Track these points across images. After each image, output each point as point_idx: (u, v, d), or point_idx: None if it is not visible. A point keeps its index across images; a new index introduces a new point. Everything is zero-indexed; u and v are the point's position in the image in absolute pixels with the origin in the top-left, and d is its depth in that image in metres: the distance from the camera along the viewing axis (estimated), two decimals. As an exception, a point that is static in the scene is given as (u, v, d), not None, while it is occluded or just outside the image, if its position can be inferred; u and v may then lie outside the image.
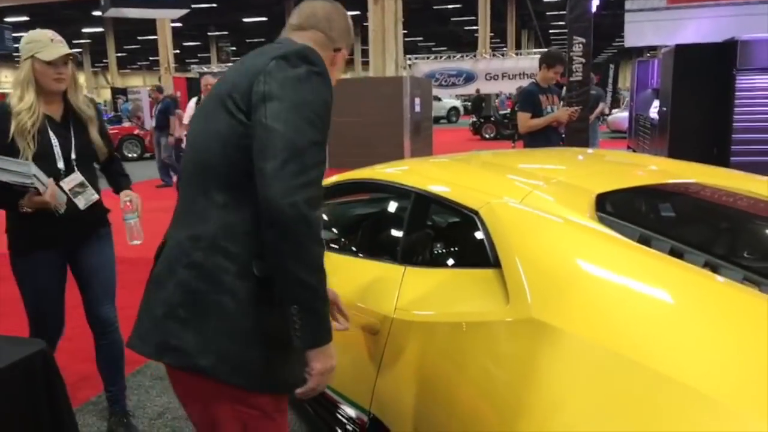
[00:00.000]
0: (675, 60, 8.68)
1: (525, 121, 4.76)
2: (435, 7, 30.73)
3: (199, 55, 45.37)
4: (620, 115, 18.13)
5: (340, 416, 2.17)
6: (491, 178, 2.17)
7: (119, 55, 42.27)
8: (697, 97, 8.37)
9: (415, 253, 2.11)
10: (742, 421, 1.02)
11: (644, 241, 1.59)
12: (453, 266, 2.10)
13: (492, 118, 19.83)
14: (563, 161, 2.78)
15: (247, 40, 42.10)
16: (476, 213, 1.83)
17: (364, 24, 29.32)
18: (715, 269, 1.50)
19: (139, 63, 52.42)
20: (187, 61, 46.60)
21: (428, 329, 1.73)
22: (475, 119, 20.59)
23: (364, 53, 39.56)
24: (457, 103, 28.87)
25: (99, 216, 2.57)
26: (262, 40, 42.26)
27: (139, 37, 37.09)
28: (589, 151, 3.65)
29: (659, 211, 2.10)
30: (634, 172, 2.36)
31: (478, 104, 21.90)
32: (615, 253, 1.50)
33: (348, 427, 2.11)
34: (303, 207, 1.19)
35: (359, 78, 10.25)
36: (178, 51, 33.02)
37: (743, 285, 1.37)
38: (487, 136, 19.11)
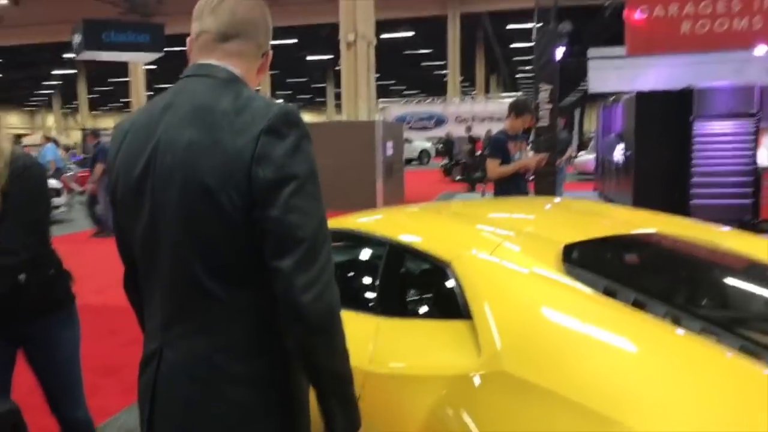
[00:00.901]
0: (636, 106, 9.07)
1: (494, 167, 4.90)
2: (406, 52, 31.55)
3: (171, 96, 45.42)
4: (587, 158, 18.65)
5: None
6: (462, 230, 2.24)
7: (91, 96, 42.15)
8: (658, 142, 8.72)
9: (389, 304, 2.15)
10: None
11: (609, 291, 1.66)
12: (427, 317, 2.14)
13: (461, 161, 20.19)
14: (530, 211, 2.87)
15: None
16: (448, 264, 1.89)
17: (336, 68, 29.87)
18: (676, 319, 1.57)
19: (110, 104, 52.24)
20: (159, 102, 46.60)
21: (402, 382, 1.76)
22: (446, 161, 20.93)
23: (338, 96, 40.19)
24: (428, 145, 29.36)
25: (51, 296, 2.08)
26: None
27: (111, 79, 37.09)
28: (556, 200, 3.76)
29: (623, 262, 2.18)
30: (600, 223, 2.45)
31: (449, 147, 22.31)
32: (581, 306, 1.57)
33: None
34: (327, 296, 1.12)
35: (333, 122, 10.45)
36: (151, 93, 33.07)
37: (701, 336, 1.44)
38: (457, 178, 19.40)
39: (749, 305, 1.93)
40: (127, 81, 26.57)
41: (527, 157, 5.07)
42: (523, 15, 20.56)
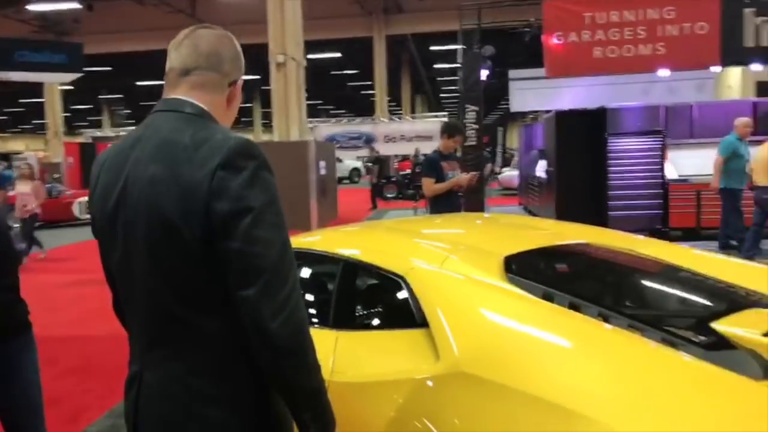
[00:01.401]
0: (556, 124, 9.63)
1: (429, 185, 5.13)
2: (333, 73, 31.86)
3: (89, 118, 43.66)
4: (511, 174, 19.46)
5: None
6: (412, 245, 2.40)
7: (1, 117, 39.80)
8: (577, 158, 9.29)
9: (346, 318, 2.27)
10: None
11: (547, 296, 1.86)
12: (383, 328, 2.27)
13: (393, 179, 20.54)
14: (468, 227, 3.09)
15: (141, 104, 41.17)
16: (402, 278, 2.04)
17: (263, 87, 29.69)
18: (606, 318, 1.78)
19: (21, 126, 49.47)
20: (75, 124, 44.63)
21: (365, 389, 1.88)
22: (376, 180, 21.23)
23: (265, 116, 39.88)
24: (359, 164, 29.68)
25: (12, 321, 2.10)
26: (155, 103, 41.48)
27: (23, 100, 35.23)
28: (488, 216, 4.02)
29: (558, 270, 2.41)
30: (533, 235, 2.68)
31: (379, 165, 22.65)
32: (525, 310, 1.75)
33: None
34: (294, 319, 1.16)
35: (266, 142, 10.49)
36: (68, 114, 31.63)
37: (629, 331, 1.66)
38: (389, 196, 19.72)
39: (666, 303, 2.19)
40: (41, 102, 25.35)
41: (459, 175, 5.34)
42: (446, 37, 21.31)
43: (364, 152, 25.24)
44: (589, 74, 9.60)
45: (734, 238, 7.72)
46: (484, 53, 9.81)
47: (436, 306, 1.85)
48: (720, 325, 1.71)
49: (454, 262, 2.08)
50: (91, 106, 39.57)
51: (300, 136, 12.66)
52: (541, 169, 11.66)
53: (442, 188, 5.10)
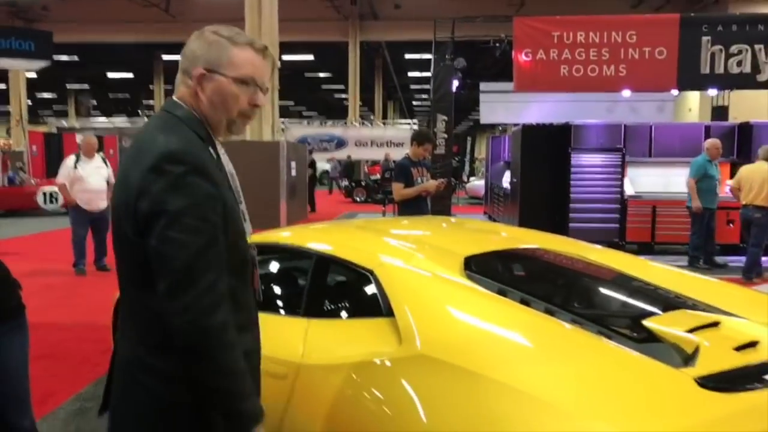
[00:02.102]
0: (522, 137, 9.96)
1: (398, 190, 5.33)
2: (307, 75, 31.93)
3: (54, 107, 42.66)
4: (478, 183, 19.86)
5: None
6: (381, 243, 2.58)
7: (-42, 103, 38.61)
8: (541, 170, 9.63)
9: (317, 308, 2.44)
10: (576, 419, 1.46)
11: (501, 293, 2.07)
12: (351, 317, 2.44)
13: (363, 183, 20.75)
14: (434, 229, 3.29)
15: (111, 95, 40.43)
16: (371, 272, 2.22)
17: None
18: (552, 313, 2.00)
19: (-19, 112, 48.00)
20: (40, 113, 43.54)
21: (332, 370, 2.05)
22: (347, 183, 21.42)
23: (236, 114, 39.50)
24: (329, 166, 29.81)
25: (3, 305, 2.11)
26: (127, 96, 40.87)
27: (-16, 86, 34.30)
28: (452, 220, 4.24)
29: (512, 270, 2.63)
30: (492, 239, 2.90)
31: (349, 169, 22.84)
32: (480, 303, 1.96)
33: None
34: (201, 321, 1.25)
35: (237, 141, 10.51)
36: (29, 102, 30.89)
37: (570, 325, 1.87)
38: (358, 199, 19.90)
39: (606, 304, 2.43)
40: (4, 89, 24.75)
41: (428, 181, 5.55)
42: (420, 46, 21.63)
43: (335, 155, 25.42)
44: (555, 91, 9.97)
45: (698, 255, 8.10)
46: (456, 65, 10.10)
47: (402, 298, 2.04)
48: (651, 323, 1.94)
49: (419, 259, 2.28)
50: (57, 96, 38.73)
51: (272, 136, 12.74)
52: (506, 179, 11.99)
53: (411, 193, 5.31)
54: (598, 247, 2.93)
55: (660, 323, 1.93)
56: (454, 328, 1.86)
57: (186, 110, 1.42)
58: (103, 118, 38.08)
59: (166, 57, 28.47)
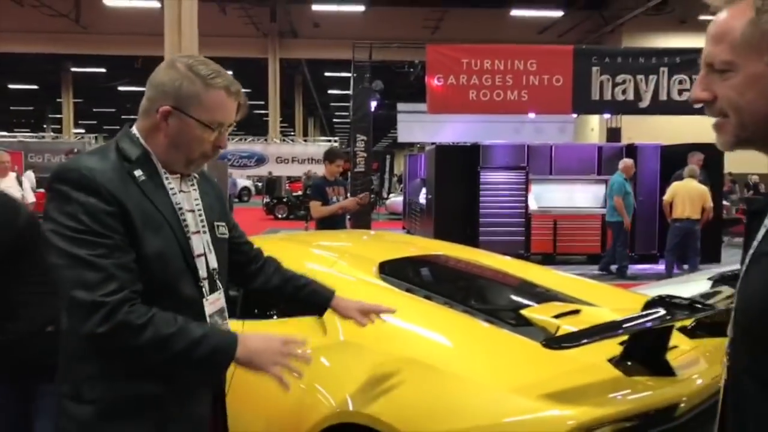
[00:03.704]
0: (436, 156, 10.60)
1: (316, 208, 5.51)
2: (226, 91, 31.59)
3: (-54, 119, 39.77)
4: (396, 200, 20.51)
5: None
6: (307, 251, 2.96)
7: None
8: (453, 187, 10.28)
9: (250, 310, 2.77)
10: (486, 390, 1.90)
11: (409, 290, 2.50)
12: (280, 317, 2.79)
13: (285, 200, 20.89)
14: (353, 240, 3.70)
15: (12, 108, 38.25)
16: (298, 277, 2.58)
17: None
18: (449, 306, 2.44)
19: None
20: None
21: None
22: (268, 200, 21.47)
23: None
24: (249, 183, 29.62)
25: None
26: (30, 108, 38.81)
27: None
28: (371, 232, 4.67)
29: (419, 273, 3.08)
30: (403, 247, 3.35)
31: (271, 186, 22.91)
32: (390, 299, 2.37)
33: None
34: (104, 328, 1.25)
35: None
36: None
37: (464, 314, 2.32)
38: (279, 216, 20.01)
39: (494, 297, 2.92)
40: None
41: (346, 200, 5.85)
42: (340, 65, 22.17)
43: (254, 172, 25.37)
44: (464, 113, 10.72)
45: (616, 264, 8.95)
46: (374, 87, 10.64)
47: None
48: (526, 312, 2.43)
49: (341, 265, 2.67)
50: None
51: (192, 153, 12.74)
52: (423, 196, 12.63)
53: (329, 211, 5.47)
54: (491, 253, 3.45)
55: (533, 312, 2.42)
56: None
57: (131, 135, 1.44)
58: (4, 132, 35.95)
59: (75, 69, 27.47)
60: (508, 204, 10.10)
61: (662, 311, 1.85)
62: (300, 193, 20.73)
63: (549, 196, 10.68)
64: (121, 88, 29.85)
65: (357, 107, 10.11)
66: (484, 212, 10.03)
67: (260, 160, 25.28)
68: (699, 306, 2.01)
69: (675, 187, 8.21)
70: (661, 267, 9.70)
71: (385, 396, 1.97)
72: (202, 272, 1.46)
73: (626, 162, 8.89)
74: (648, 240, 10.24)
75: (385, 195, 23.93)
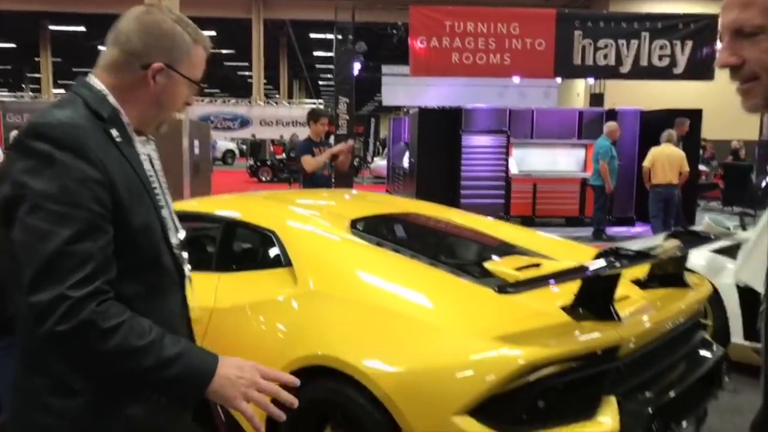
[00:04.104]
0: (419, 119, 10.64)
1: (308, 161, 5.53)
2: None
3: None
4: (381, 163, 20.55)
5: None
6: (282, 208, 3.06)
7: None
8: (436, 151, 10.35)
9: (226, 263, 2.88)
10: (445, 333, 2.03)
11: (378, 243, 2.62)
12: (256, 269, 2.90)
13: (269, 162, 20.84)
14: (330, 198, 3.80)
15: (-12, 66, 37.30)
16: (273, 232, 2.69)
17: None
18: (417, 258, 2.57)
19: None
20: None
21: (241, 310, 2.52)
22: (252, 163, 21.41)
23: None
24: (233, 145, 29.40)
25: None
26: (8, 67, 37.86)
27: None
28: (354, 192, 4.77)
29: (390, 229, 3.20)
30: (378, 206, 3.46)
31: (255, 148, 22.81)
32: (359, 251, 2.50)
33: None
34: (74, 312, 1.05)
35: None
36: None
37: (431, 266, 2.45)
38: (264, 179, 19.99)
39: (461, 252, 3.06)
40: None
41: (329, 164, 5.88)
42: (325, 26, 21.85)
43: (238, 134, 25.18)
44: (447, 76, 10.73)
45: (602, 228, 9.04)
46: (358, 50, 10.58)
47: (298, 251, 2.54)
48: (488, 265, 2.56)
49: (314, 221, 2.78)
50: None
51: (174, 114, 12.66)
52: (406, 159, 12.69)
53: (321, 159, 5.52)
54: (463, 212, 3.57)
55: (495, 265, 2.56)
56: (339, 269, 2.39)
57: (95, 91, 1.23)
58: (-20, 92, 35.12)
59: (53, 27, 26.79)
60: (489, 167, 10.22)
61: (606, 260, 1.99)
62: (284, 156, 20.67)
63: (530, 159, 10.79)
64: (101, 48, 29.14)
65: (340, 69, 10.07)
66: (465, 175, 10.14)
67: (244, 123, 25.09)
68: (642, 255, 2.15)
69: (654, 152, 8.21)
70: (637, 229, 9.94)
71: (351, 340, 2.10)
72: (174, 240, 1.31)
73: (611, 125, 8.82)
74: (625, 203, 10.45)
75: (369, 159, 23.95)
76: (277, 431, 2.24)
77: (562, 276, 2.04)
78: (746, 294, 3.85)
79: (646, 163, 8.30)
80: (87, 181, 1.10)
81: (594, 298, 2.08)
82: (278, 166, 19.87)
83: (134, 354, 1.10)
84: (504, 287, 1.93)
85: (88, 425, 1.17)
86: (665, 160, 8.08)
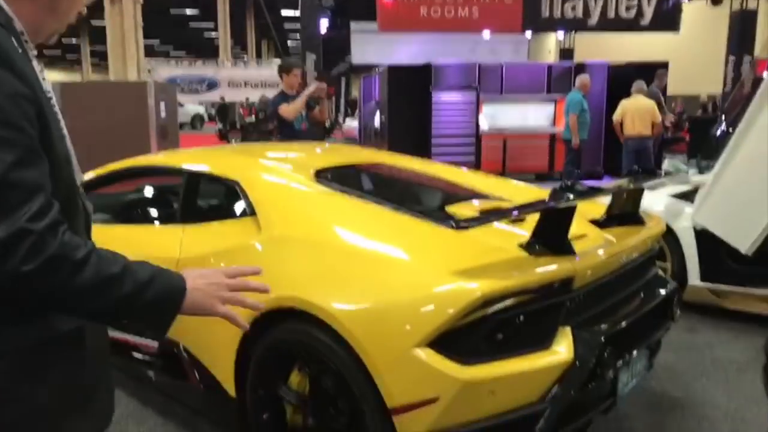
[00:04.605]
0: (388, 78, 10.56)
1: (285, 108, 5.40)
2: (173, 11, 30.20)
3: None
4: (352, 124, 20.40)
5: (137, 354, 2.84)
6: (246, 159, 3.06)
7: None
8: (406, 108, 10.34)
9: (190, 215, 2.88)
10: (406, 269, 2.07)
11: (341, 191, 2.64)
12: (220, 219, 2.91)
13: (238, 125, 20.53)
14: (297, 150, 3.80)
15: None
16: (237, 183, 2.69)
17: (93, 24, 27.28)
18: (379, 203, 2.60)
19: None
20: None
21: (208, 257, 2.53)
22: (221, 126, 21.07)
23: (95, 54, 36.66)
24: (201, 109, 28.86)
25: None
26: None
27: None
28: (327, 144, 4.77)
29: (356, 179, 3.22)
30: (345, 158, 3.47)
31: (223, 112, 22.40)
32: (321, 198, 2.52)
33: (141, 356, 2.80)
34: (33, 265, 0.92)
35: (100, 83, 9.87)
36: None
37: (391, 210, 2.48)
38: (233, 142, 19.72)
39: (424, 198, 3.11)
40: None
41: (305, 117, 5.78)
42: (292, -16, 21.29)
43: (206, 97, 24.69)
44: (416, 30, 10.63)
45: (573, 182, 8.99)
46: (325, 4, 10.37)
47: (262, 200, 2.55)
48: (450, 208, 2.61)
49: (276, 170, 2.79)
50: None
51: (138, 76, 12.35)
52: (377, 119, 12.62)
53: (298, 102, 5.41)
54: (429, 161, 3.60)
55: (456, 208, 2.60)
56: (301, 214, 2.42)
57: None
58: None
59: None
60: (459, 124, 10.24)
61: (561, 194, 2.04)
62: (252, 118, 20.37)
63: (499, 115, 10.85)
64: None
65: (306, 23, 9.89)
66: (436, 133, 10.17)
67: (211, 85, 24.59)
68: (595, 189, 2.22)
69: (623, 105, 8.16)
70: (606, 183, 10.12)
71: (315, 282, 2.14)
72: (79, 179, 1.17)
73: (582, 78, 8.72)
74: (593, 157, 10.61)
75: (341, 120, 23.74)
76: (247, 373, 2.31)
77: (515, 210, 2.09)
78: (703, 236, 3.99)
79: (616, 116, 8.27)
80: (16, 97, 0.94)
81: (550, 234, 2.14)
82: (248, 129, 19.60)
83: (112, 282, 1.01)
84: (460, 222, 1.98)
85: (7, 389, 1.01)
86: (635, 111, 8.02)
